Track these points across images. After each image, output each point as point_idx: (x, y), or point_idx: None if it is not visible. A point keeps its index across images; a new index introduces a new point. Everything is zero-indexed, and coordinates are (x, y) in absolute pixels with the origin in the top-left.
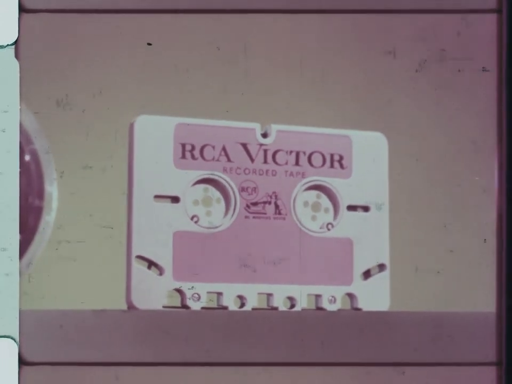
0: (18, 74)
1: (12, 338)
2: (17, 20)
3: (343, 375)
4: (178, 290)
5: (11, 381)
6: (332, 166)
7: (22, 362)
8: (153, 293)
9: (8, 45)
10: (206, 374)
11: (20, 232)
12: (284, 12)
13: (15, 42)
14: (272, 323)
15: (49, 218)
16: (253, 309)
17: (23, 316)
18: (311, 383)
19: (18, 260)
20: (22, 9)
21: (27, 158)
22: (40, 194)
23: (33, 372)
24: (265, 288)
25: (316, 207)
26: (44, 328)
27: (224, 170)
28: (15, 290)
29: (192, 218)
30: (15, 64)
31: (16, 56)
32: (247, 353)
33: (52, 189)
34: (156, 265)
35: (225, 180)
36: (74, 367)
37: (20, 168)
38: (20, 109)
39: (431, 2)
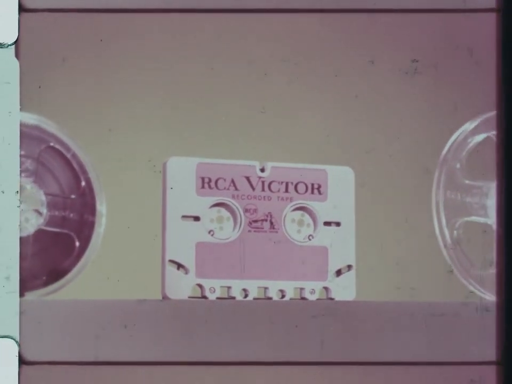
0: (18, 74)
1: (12, 338)
2: (17, 19)
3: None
4: (199, 285)
5: (11, 381)
6: (312, 192)
7: (22, 362)
8: (181, 287)
9: (8, 45)
10: (208, 371)
11: (78, 241)
12: None
13: (15, 42)
14: (268, 310)
15: (100, 230)
16: (254, 298)
17: (23, 315)
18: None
19: (18, 261)
20: (22, 9)
21: (83, 183)
22: (93, 212)
23: (33, 371)
24: (263, 283)
25: (300, 223)
26: (45, 327)
27: (233, 196)
28: (15, 290)
29: (209, 232)
30: (15, 64)
31: (16, 56)
32: (250, 333)
33: (102, 208)
34: (183, 266)
35: (233, 204)
36: (74, 367)
37: (77, 192)
38: (73, 143)
39: (431, 2)
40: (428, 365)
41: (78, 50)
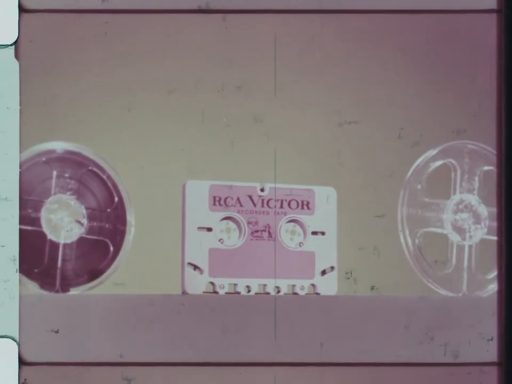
0: (18, 74)
1: (12, 338)
2: (17, 20)
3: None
4: (212, 283)
5: (11, 381)
6: (302, 208)
7: (22, 362)
8: (197, 284)
9: (8, 45)
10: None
11: (112, 246)
12: None
13: (15, 42)
14: (267, 302)
15: (130, 237)
16: (255, 293)
17: (23, 316)
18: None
19: (18, 262)
20: (22, 9)
21: (116, 199)
22: (124, 222)
23: (33, 371)
24: (262, 281)
25: (293, 232)
26: (44, 328)
27: (238, 211)
28: (15, 290)
29: (219, 240)
30: (15, 64)
31: (16, 56)
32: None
33: (131, 219)
34: (198, 268)
35: (239, 218)
36: (74, 367)
37: (111, 206)
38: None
39: (431, 2)
40: (428, 366)
41: (78, 50)
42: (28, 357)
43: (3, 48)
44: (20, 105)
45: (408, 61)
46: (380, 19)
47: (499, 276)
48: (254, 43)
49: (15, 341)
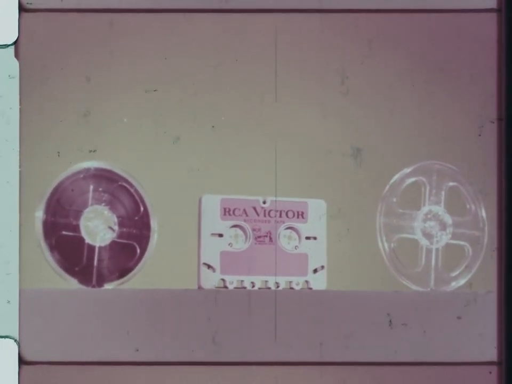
0: (18, 74)
1: (12, 338)
2: (17, 19)
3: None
4: (223, 279)
5: (11, 381)
6: (298, 217)
7: (22, 362)
8: (210, 280)
9: (8, 45)
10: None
11: (139, 248)
12: None
13: (15, 42)
14: (269, 296)
15: (153, 241)
16: (259, 288)
17: (23, 316)
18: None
19: (18, 262)
20: (22, 9)
21: (142, 209)
22: (149, 228)
23: (33, 371)
24: (264, 277)
25: (290, 237)
26: (45, 327)
27: (245, 220)
28: (15, 290)
29: (229, 244)
30: (15, 64)
31: (16, 56)
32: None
33: (154, 225)
34: (212, 267)
35: (245, 225)
36: (74, 367)
37: (138, 215)
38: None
39: (431, 2)
40: (428, 365)
41: (78, 50)
42: (28, 357)
43: (3, 48)
44: (20, 105)
45: (408, 61)
46: (380, 19)
47: (498, 275)
48: (254, 44)
49: (15, 341)
